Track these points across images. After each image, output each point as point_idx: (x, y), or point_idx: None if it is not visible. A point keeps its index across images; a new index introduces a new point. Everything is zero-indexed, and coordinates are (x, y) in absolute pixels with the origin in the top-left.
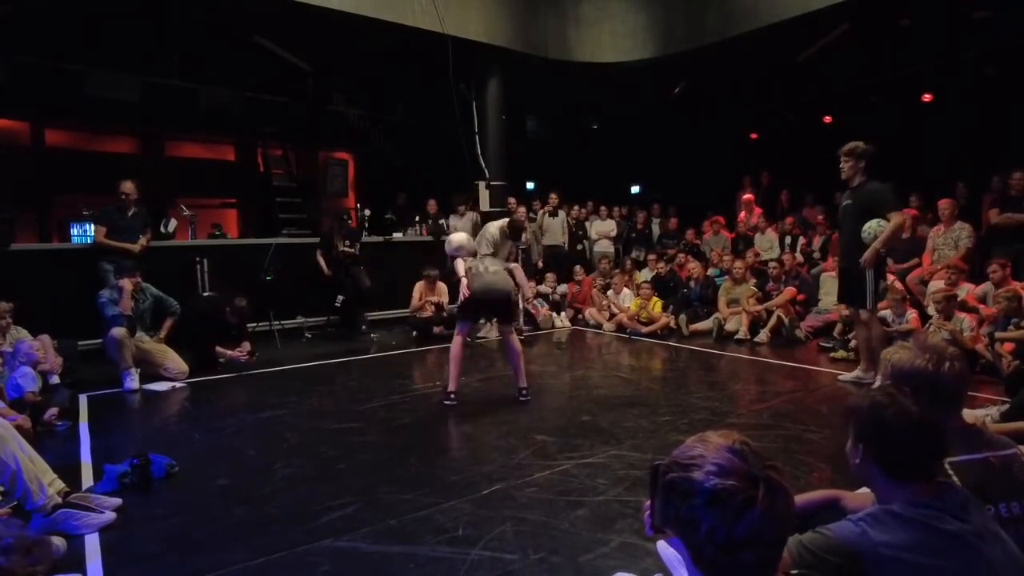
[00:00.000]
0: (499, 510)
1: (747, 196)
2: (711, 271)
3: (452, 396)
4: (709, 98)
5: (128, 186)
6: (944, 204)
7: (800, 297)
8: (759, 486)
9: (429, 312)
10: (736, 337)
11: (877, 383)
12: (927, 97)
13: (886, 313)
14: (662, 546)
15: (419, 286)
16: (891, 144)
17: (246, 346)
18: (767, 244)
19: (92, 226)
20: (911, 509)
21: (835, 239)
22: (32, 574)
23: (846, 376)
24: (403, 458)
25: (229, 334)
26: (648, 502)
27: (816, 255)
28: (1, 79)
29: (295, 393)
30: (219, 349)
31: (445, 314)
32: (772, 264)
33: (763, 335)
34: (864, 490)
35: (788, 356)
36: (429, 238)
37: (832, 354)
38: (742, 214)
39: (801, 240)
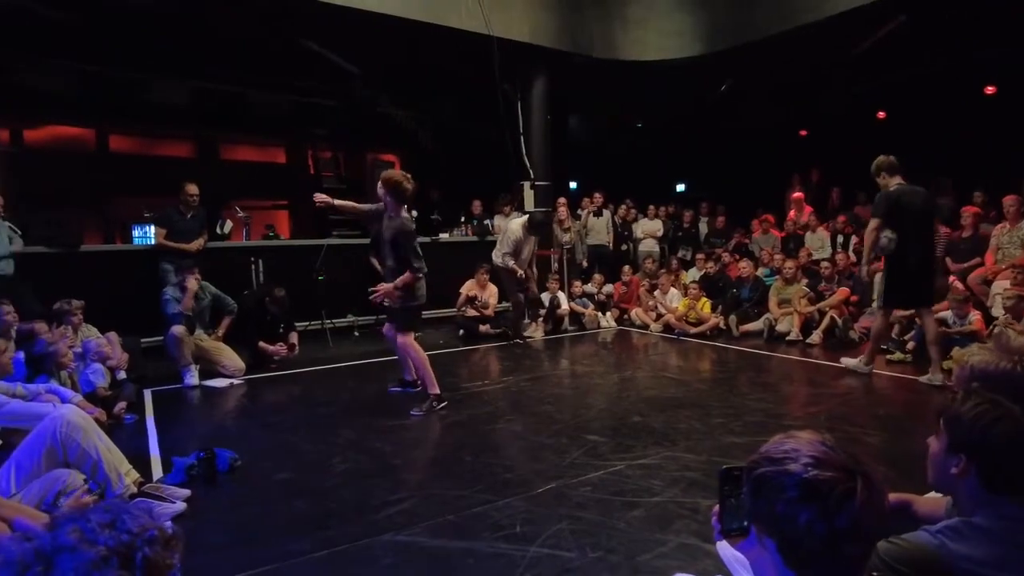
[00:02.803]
0: (554, 508)
1: (797, 194)
2: (761, 271)
3: (442, 398)
4: (757, 94)
5: (192, 188)
6: (1009, 201)
7: (854, 298)
8: (856, 478)
9: (472, 312)
10: (788, 338)
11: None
12: (990, 89)
13: (946, 314)
14: (722, 546)
15: (468, 284)
16: (951, 139)
17: (292, 337)
18: (818, 243)
19: (152, 228)
20: (1000, 523)
21: None
22: (169, 566)
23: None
24: (456, 455)
25: (275, 329)
26: (716, 506)
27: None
28: (70, 88)
29: (347, 390)
30: (261, 345)
31: (490, 313)
32: (824, 264)
33: (815, 336)
34: (934, 495)
35: (842, 357)
36: (474, 238)
37: (888, 356)
38: (792, 212)
39: (854, 239)
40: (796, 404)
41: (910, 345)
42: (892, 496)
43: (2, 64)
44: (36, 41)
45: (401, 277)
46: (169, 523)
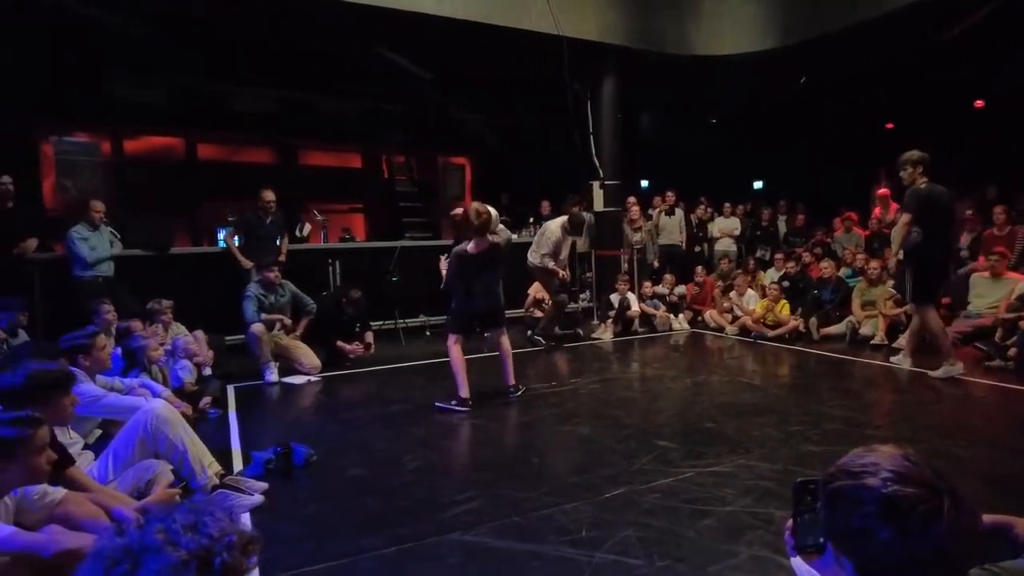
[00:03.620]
0: (622, 514)
1: (883, 190)
2: (843, 271)
3: (467, 403)
4: (838, 86)
5: (268, 195)
6: None
7: (946, 300)
8: (942, 497)
9: (539, 313)
10: (872, 342)
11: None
12: None
13: None
14: (797, 562)
15: (536, 286)
16: None
17: (368, 337)
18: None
19: (223, 232)
20: None
21: (987, 235)
22: (246, 570)
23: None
24: (524, 456)
25: (352, 328)
26: (790, 521)
27: (964, 253)
28: (162, 100)
29: (418, 388)
30: (338, 344)
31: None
32: None
33: (902, 340)
34: None
35: (932, 364)
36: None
37: (988, 362)
38: (877, 209)
39: None
40: (880, 412)
41: (1011, 351)
42: (988, 518)
43: (103, 81)
44: (131, 59)
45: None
46: (248, 523)
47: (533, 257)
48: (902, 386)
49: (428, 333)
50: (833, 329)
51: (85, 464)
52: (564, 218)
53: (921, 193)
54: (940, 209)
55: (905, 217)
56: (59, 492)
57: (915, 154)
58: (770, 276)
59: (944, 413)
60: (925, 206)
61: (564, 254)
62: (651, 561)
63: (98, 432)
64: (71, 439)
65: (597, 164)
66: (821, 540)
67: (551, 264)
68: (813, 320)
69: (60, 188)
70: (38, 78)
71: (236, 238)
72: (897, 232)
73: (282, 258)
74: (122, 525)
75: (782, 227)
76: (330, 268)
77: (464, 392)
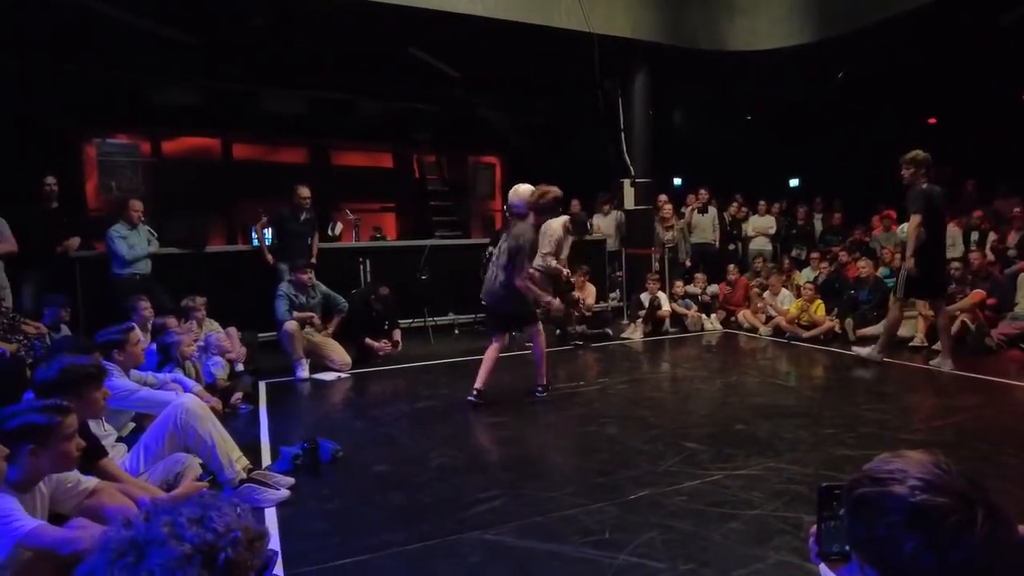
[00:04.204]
0: (646, 516)
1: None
2: (881, 271)
3: (476, 394)
4: (877, 81)
5: (304, 191)
6: None
7: (991, 301)
8: (976, 508)
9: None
10: (911, 344)
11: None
12: None
13: None
14: (824, 570)
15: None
16: None
17: (396, 335)
18: (948, 241)
19: (255, 231)
20: None
21: None
22: (252, 566)
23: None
24: (549, 455)
25: (380, 326)
26: (813, 527)
27: (1012, 252)
28: (198, 102)
29: (446, 386)
30: (367, 341)
31: (589, 313)
32: (954, 264)
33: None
34: None
35: (975, 367)
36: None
37: None
38: None
39: (992, 236)
40: (919, 416)
41: None
42: None
43: (142, 85)
44: (168, 63)
45: None
46: (272, 518)
47: (535, 258)
48: (943, 389)
49: (456, 331)
50: (870, 330)
51: (118, 456)
52: (566, 217)
53: (926, 192)
54: (937, 209)
55: (916, 218)
56: (91, 481)
57: (920, 154)
58: (805, 276)
59: (989, 418)
60: (928, 206)
61: (565, 254)
62: (674, 564)
63: (132, 425)
64: (105, 431)
65: (628, 162)
66: (847, 548)
67: (554, 263)
68: (849, 321)
69: (103, 188)
70: (81, 83)
71: (267, 231)
72: (911, 233)
73: (313, 260)
74: (128, 518)
75: (818, 226)
76: (360, 266)
77: (480, 385)
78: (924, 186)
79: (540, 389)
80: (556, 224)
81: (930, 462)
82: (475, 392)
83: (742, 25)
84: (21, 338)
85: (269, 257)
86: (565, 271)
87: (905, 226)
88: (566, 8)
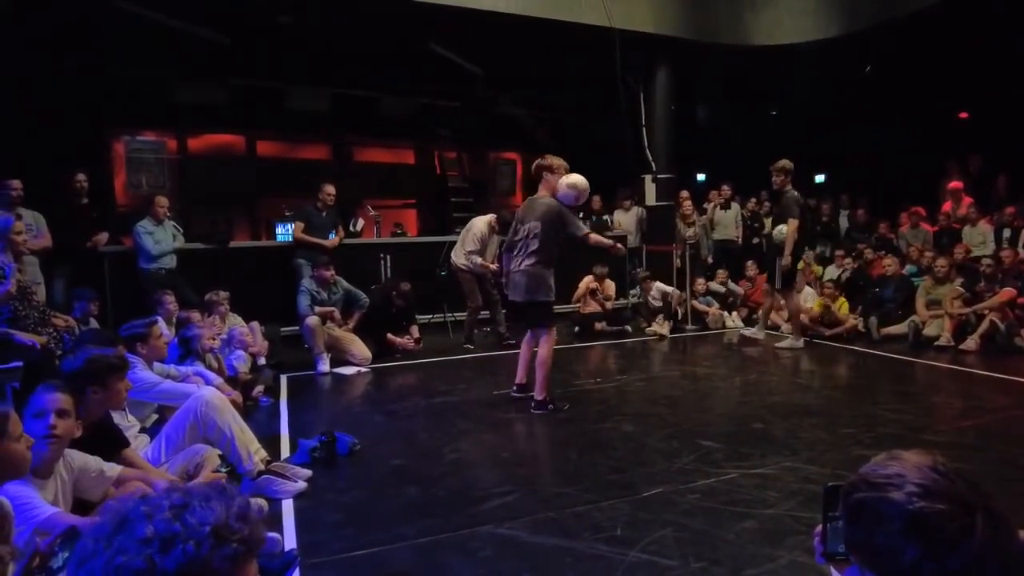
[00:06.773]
0: (659, 514)
1: (955, 183)
2: (907, 268)
3: (514, 388)
4: (906, 75)
5: (330, 188)
6: None
7: (1021, 300)
8: (975, 514)
9: (591, 308)
10: (937, 343)
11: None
12: None
13: None
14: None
15: (588, 279)
16: None
17: (414, 331)
18: (979, 238)
19: (291, 225)
20: None
21: None
22: (217, 572)
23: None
24: (563, 452)
25: (400, 321)
26: (819, 526)
27: None
28: (223, 99)
29: (464, 381)
30: (389, 337)
31: (610, 309)
32: (986, 261)
33: (971, 342)
34: None
35: (1002, 367)
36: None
37: None
38: (947, 204)
39: None
40: (942, 417)
41: None
42: None
43: (169, 84)
44: (195, 62)
45: None
46: (255, 520)
47: (457, 257)
48: (968, 390)
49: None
50: (894, 329)
51: (141, 446)
52: (492, 216)
53: (798, 199)
54: (804, 212)
55: (795, 223)
56: (115, 469)
57: (787, 163)
58: (829, 273)
59: (1014, 420)
60: (803, 212)
61: (491, 252)
62: (686, 562)
63: (155, 416)
64: (129, 423)
65: (649, 157)
66: None
67: (479, 261)
68: (873, 319)
69: (131, 184)
70: (111, 82)
71: (288, 226)
72: (791, 237)
73: (331, 246)
74: (121, 501)
75: (844, 223)
76: (382, 263)
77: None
78: (795, 193)
79: (535, 405)
80: (481, 223)
81: (928, 465)
82: (515, 387)
83: (766, 19)
84: (51, 331)
85: (322, 243)
86: (492, 266)
87: (783, 227)
88: (587, 3)
